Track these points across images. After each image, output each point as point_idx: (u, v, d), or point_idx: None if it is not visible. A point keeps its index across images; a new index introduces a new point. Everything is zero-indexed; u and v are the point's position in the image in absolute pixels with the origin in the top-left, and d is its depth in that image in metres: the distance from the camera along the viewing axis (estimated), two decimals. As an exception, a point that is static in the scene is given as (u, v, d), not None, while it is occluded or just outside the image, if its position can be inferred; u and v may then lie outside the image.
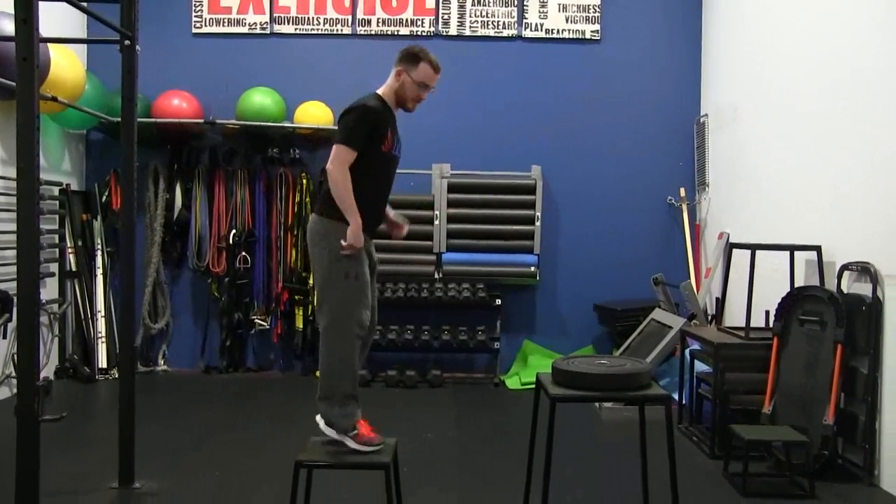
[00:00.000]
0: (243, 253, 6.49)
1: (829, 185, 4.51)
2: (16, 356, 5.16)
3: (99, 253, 6.38)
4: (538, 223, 6.46)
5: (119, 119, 3.97)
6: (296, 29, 6.69)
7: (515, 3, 6.69)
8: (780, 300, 4.37)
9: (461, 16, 6.70)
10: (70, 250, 6.23)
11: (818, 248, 4.43)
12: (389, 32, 6.67)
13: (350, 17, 6.68)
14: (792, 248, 4.60)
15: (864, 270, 4.05)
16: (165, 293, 6.59)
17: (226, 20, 6.69)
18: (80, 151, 6.61)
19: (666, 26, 6.74)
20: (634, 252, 6.64)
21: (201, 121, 6.30)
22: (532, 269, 6.46)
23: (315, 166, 6.51)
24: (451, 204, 6.49)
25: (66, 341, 6.22)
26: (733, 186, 6.00)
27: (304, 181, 6.48)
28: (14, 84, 2.89)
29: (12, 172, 2.94)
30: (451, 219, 6.49)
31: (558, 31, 6.70)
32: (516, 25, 6.71)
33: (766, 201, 5.38)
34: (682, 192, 6.64)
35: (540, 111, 6.70)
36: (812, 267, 4.51)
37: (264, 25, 6.69)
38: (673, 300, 6.09)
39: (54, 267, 6.10)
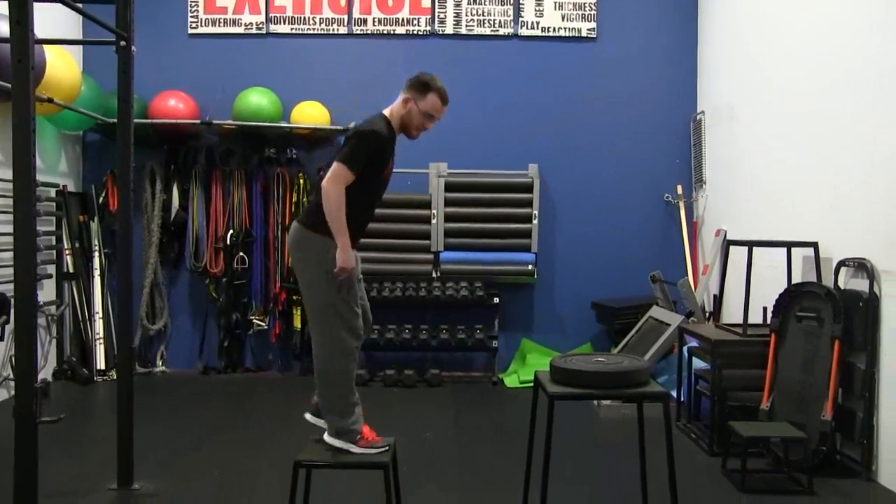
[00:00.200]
0: (241, 253, 6.49)
1: (826, 181, 4.52)
2: (13, 358, 5.15)
3: (96, 254, 6.37)
4: (535, 221, 6.47)
5: (115, 120, 3.97)
6: (292, 29, 6.68)
7: (511, 1, 6.69)
8: (777, 297, 4.38)
9: (457, 15, 6.69)
10: (67, 252, 6.22)
11: (815, 245, 4.44)
12: (385, 32, 6.65)
13: (346, 17, 6.67)
14: (789, 245, 4.61)
15: (861, 266, 4.06)
16: (163, 294, 6.59)
17: (222, 20, 6.68)
18: (76, 153, 6.60)
19: (662, 23, 6.75)
20: (632, 250, 6.66)
21: (198, 121, 6.30)
22: (530, 267, 6.46)
23: (312, 166, 6.51)
24: (448, 203, 6.50)
25: (63, 343, 6.21)
26: (730, 183, 6.01)
27: (301, 181, 6.49)
28: (10, 86, 2.89)
29: (8, 174, 2.93)
30: (448, 218, 6.49)
31: (554, 30, 6.71)
32: (512, 24, 6.71)
33: (763, 198, 5.39)
34: (679, 189, 6.65)
35: (536, 110, 6.70)
36: (809, 263, 4.52)
37: (260, 25, 6.68)
38: (670, 297, 6.11)
39: (51, 269, 6.09)
